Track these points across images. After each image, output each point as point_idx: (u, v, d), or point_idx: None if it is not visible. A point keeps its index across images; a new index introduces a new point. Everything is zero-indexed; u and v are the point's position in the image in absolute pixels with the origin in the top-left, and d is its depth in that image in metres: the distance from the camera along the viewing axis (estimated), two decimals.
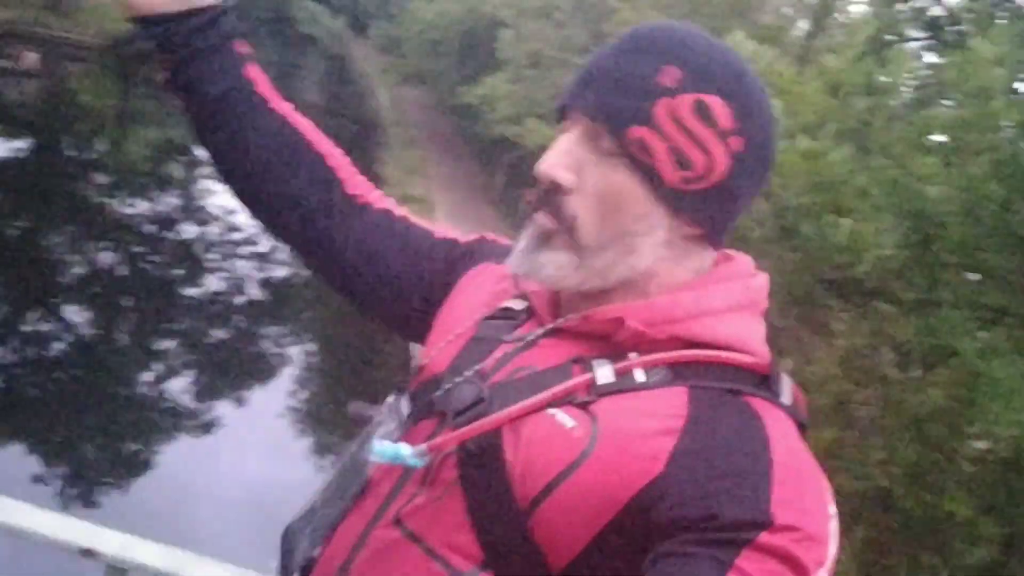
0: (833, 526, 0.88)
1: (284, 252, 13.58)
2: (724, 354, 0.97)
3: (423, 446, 0.98)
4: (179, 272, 14.83)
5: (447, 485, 0.98)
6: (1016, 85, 4.70)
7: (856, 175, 4.23)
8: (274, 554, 1.14)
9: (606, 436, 0.91)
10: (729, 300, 1.01)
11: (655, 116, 0.94)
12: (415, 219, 1.34)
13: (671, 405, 0.92)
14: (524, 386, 0.98)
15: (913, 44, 7.28)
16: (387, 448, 0.98)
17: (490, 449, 0.95)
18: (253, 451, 9.97)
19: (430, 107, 25.81)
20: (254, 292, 14.68)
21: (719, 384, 0.95)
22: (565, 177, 0.97)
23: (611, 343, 1.00)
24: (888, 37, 5.57)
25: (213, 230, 16.21)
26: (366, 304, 1.33)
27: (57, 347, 11.26)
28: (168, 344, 12.20)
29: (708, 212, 0.99)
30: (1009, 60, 4.19)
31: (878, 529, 5.25)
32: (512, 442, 0.94)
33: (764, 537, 0.81)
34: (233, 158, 1.26)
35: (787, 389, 0.98)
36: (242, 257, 15.41)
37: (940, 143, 4.61)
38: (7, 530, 1.50)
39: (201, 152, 1.28)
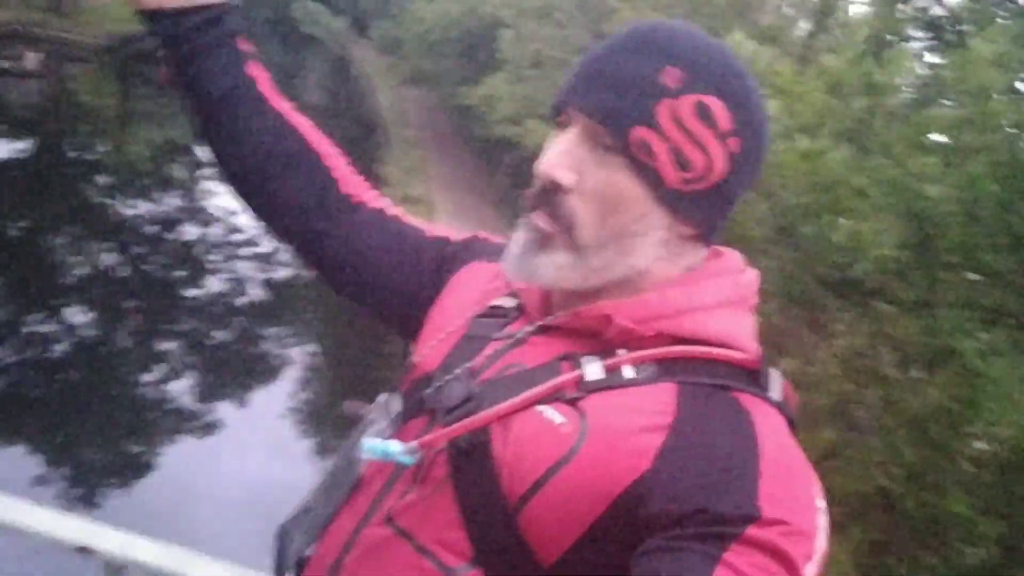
0: (822, 520, 0.88)
1: (286, 253, 13.58)
2: (713, 350, 0.97)
3: (413, 443, 0.98)
4: (181, 273, 14.83)
5: (438, 482, 0.98)
6: (1016, 84, 4.71)
7: (855, 175, 4.23)
8: (271, 554, 1.14)
9: (595, 432, 0.91)
10: (718, 296, 1.01)
11: (657, 117, 0.94)
12: (408, 218, 1.35)
13: (660, 401, 0.93)
14: (513, 383, 0.98)
15: (914, 44, 7.28)
16: (377, 445, 0.99)
17: (480, 446, 0.95)
18: (255, 452, 9.96)
19: (431, 107, 25.82)
20: (256, 293, 14.68)
21: (708, 380, 0.95)
22: (565, 177, 0.97)
23: (600, 340, 1.00)
24: (889, 37, 5.56)
25: (215, 231, 16.21)
26: (360, 301, 1.34)
27: (59, 348, 11.27)
28: (170, 345, 12.20)
29: (705, 212, 1.00)
30: (1009, 60, 4.19)
31: (878, 529, 5.24)
32: (501, 439, 0.95)
33: (752, 531, 0.81)
34: (232, 155, 1.27)
35: (777, 385, 0.99)
36: (244, 258, 15.41)
37: (939, 143, 4.61)
38: (4, 528, 1.50)
39: (203, 153, 1.29)
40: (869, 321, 5.29)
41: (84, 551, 1.44)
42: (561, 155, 0.97)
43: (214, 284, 14.53)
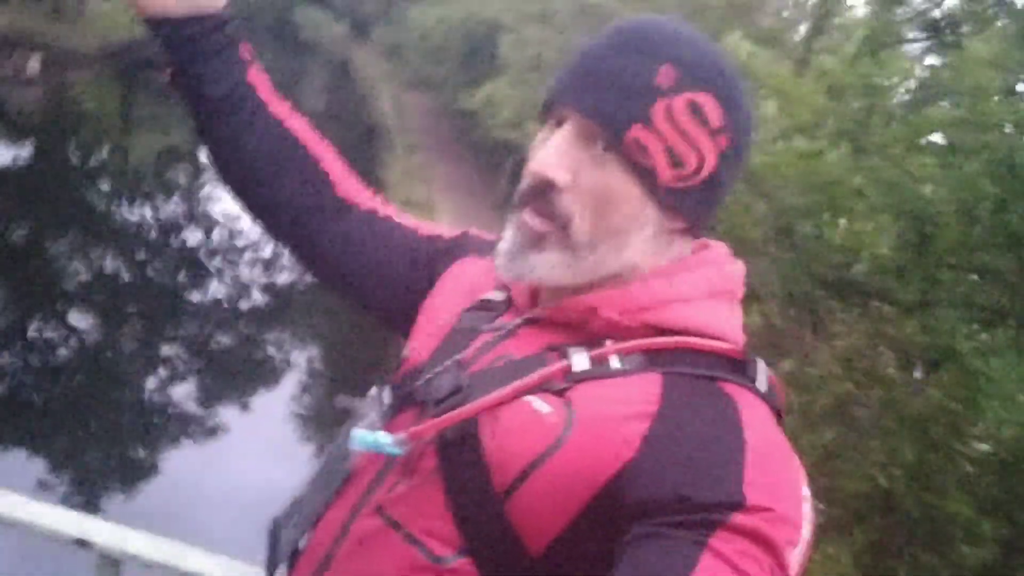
0: (807, 508, 0.88)
1: (288, 258, 13.58)
2: (698, 340, 0.98)
3: (402, 434, 0.99)
4: (183, 278, 14.85)
5: (427, 473, 0.99)
6: (1013, 85, 4.71)
7: (853, 175, 4.24)
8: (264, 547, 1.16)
9: (581, 422, 0.92)
10: (703, 287, 1.02)
11: (653, 116, 0.95)
12: (401, 217, 1.37)
13: (645, 391, 0.93)
14: (502, 374, 0.99)
15: (913, 46, 7.29)
16: (366, 436, 1.00)
17: (468, 436, 0.96)
18: (257, 456, 9.97)
19: (432, 112, 25.82)
20: (258, 298, 14.71)
21: (694, 370, 0.96)
22: (560, 175, 0.97)
23: (587, 331, 1.01)
24: (887, 39, 5.56)
25: (217, 236, 16.24)
26: (354, 299, 1.36)
27: (62, 353, 11.30)
28: (173, 350, 12.22)
29: (695, 207, 1.01)
30: (1005, 60, 4.20)
31: (878, 530, 5.24)
32: (489, 429, 0.96)
33: (737, 518, 0.82)
34: (231, 157, 1.29)
35: (762, 375, 1.00)
36: (246, 263, 15.44)
37: (936, 143, 4.62)
38: (1, 521, 1.52)
39: (205, 158, 1.31)
40: (869, 321, 5.29)
41: (81, 543, 1.45)
42: (555, 154, 0.98)
43: (216, 289, 14.56)
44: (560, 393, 0.95)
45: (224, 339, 13.22)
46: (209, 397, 11.03)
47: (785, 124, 4.40)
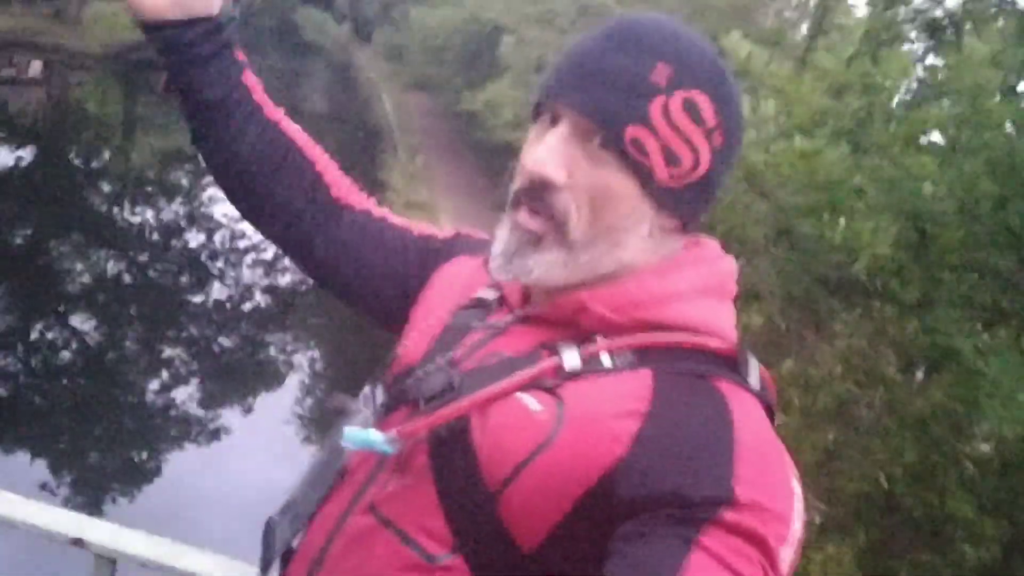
0: (797, 505, 0.88)
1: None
2: (690, 337, 0.98)
3: (393, 432, 0.99)
4: (185, 280, 14.86)
5: (419, 471, 0.99)
6: (1013, 83, 4.71)
7: (852, 174, 4.24)
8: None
9: (572, 419, 0.92)
10: (695, 284, 1.02)
11: (651, 115, 0.95)
12: (394, 218, 1.38)
13: (636, 388, 0.93)
14: (493, 372, 0.99)
15: (915, 46, 7.29)
16: (358, 434, 1.00)
17: (459, 434, 0.96)
18: (260, 458, 9.96)
19: (434, 113, 25.82)
20: (260, 300, 14.71)
21: (685, 367, 0.96)
22: (557, 174, 0.97)
23: (579, 328, 1.01)
24: (886, 37, 5.56)
25: (219, 238, 16.25)
26: (349, 300, 1.37)
27: (64, 355, 11.31)
28: (175, 352, 12.22)
29: (689, 205, 1.01)
30: (1004, 59, 4.19)
31: (880, 530, 5.24)
32: (480, 427, 0.96)
33: (727, 514, 0.82)
34: (226, 161, 1.30)
35: (755, 372, 1.00)
36: (248, 265, 15.45)
37: (937, 143, 4.61)
38: None
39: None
40: (870, 321, 5.28)
41: (77, 543, 1.45)
42: (551, 152, 0.98)
43: (218, 291, 14.56)
44: (551, 390, 0.95)
45: (226, 341, 13.23)
46: (211, 399, 11.03)
47: (785, 123, 4.40)
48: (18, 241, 14.25)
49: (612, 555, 0.84)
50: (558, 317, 1.03)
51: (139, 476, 9.25)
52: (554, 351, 0.99)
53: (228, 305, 14.24)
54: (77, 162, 19.78)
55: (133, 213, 17.06)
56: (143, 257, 15.31)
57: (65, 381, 10.86)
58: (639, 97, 0.95)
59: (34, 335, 11.50)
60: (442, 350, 1.10)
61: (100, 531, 1.49)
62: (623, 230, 0.99)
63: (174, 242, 16.11)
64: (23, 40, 24.93)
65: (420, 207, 16.56)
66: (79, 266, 14.14)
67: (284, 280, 15.03)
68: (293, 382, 12.29)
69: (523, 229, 1.01)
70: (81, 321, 12.21)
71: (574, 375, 0.96)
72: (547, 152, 0.98)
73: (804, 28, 11.82)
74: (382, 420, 1.09)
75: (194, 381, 11.41)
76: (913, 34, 7.03)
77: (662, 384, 0.94)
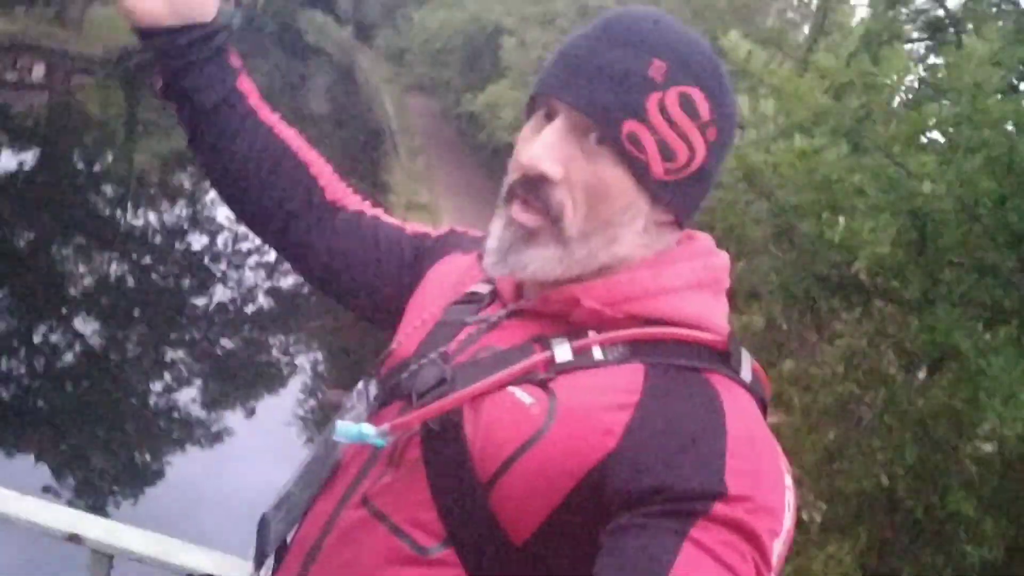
0: (789, 497, 0.89)
1: None
2: (682, 331, 0.98)
3: (386, 426, 0.99)
4: (188, 282, 14.88)
5: (411, 464, 1.00)
6: (1014, 81, 4.71)
7: (852, 173, 4.23)
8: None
9: (563, 412, 0.92)
10: (688, 278, 1.03)
11: (647, 110, 0.95)
12: (387, 218, 1.39)
13: (628, 381, 0.94)
14: (485, 366, 1.00)
15: (916, 46, 7.29)
16: (350, 428, 1.00)
17: (451, 427, 0.97)
18: (262, 460, 9.97)
19: (436, 115, 25.85)
20: (262, 302, 14.73)
21: (677, 361, 0.96)
22: (553, 170, 0.97)
23: (571, 322, 1.01)
24: (886, 36, 5.56)
25: (221, 240, 16.27)
26: (345, 301, 1.39)
27: (67, 358, 11.32)
28: (177, 354, 12.23)
29: (684, 199, 1.02)
30: (1004, 58, 4.19)
31: (881, 529, 5.23)
32: (472, 420, 0.96)
33: (718, 508, 0.82)
34: (222, 165, 1.32)
35: (747, 366, 1.00)
36: (250, 267, 15.47)
37: (937, 141, 4.61)
38: None
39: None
40: (870, 320, 5.28)
41: (73, 539, 1.46)
42: (548, 147, 0.98)
43: (221, 293, 14.58)
44: (543, 384, 0.96)
45: (229, 343, 13.24)
46: (214, 401, 11.04)
47: (784, 123, 4.40)
48: (21, 244, 14.28)
49: (603, 548, 0.84)
50: (550, 311, 1.03)
51: (142, 478, 9.26)
52: (546, 345, 0.99)
53: (230, 307, 14.26)
54: (80, 165, 19.81)
55: (136, 216, 17.09)
56: (146, 260, 15.34)
57: (68, 384, 10.87)
58: (636, 93, 0.96)
59: (37, 338, 11.51)
60: (435, 345, 1.10)
61: (97, 527, 1.50)
62: (619, 225, 0.99)
63: (177, 245, 16.14)
64: (26, 44, 24.98)
65: (421, 208, 16.58)
66: (82, 269, 14.16)
67: (286, 282, 15.04)
68: (295, 384, 12.30)
69: (518, 224, 1.01)
70: (84, 324, 12.23)
71: (566, 369, 0.97)
72: (543, 147, 0.98)
73: (806, 29, 11.81)
74: (375, 415, 1.09)
75: (197, 383, 11.43)
76: (915, 34, 7.03)
77: (654, 377, 0.94)
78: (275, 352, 13.40)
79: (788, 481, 0.90)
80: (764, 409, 1.00)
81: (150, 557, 1.47)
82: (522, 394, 0.95)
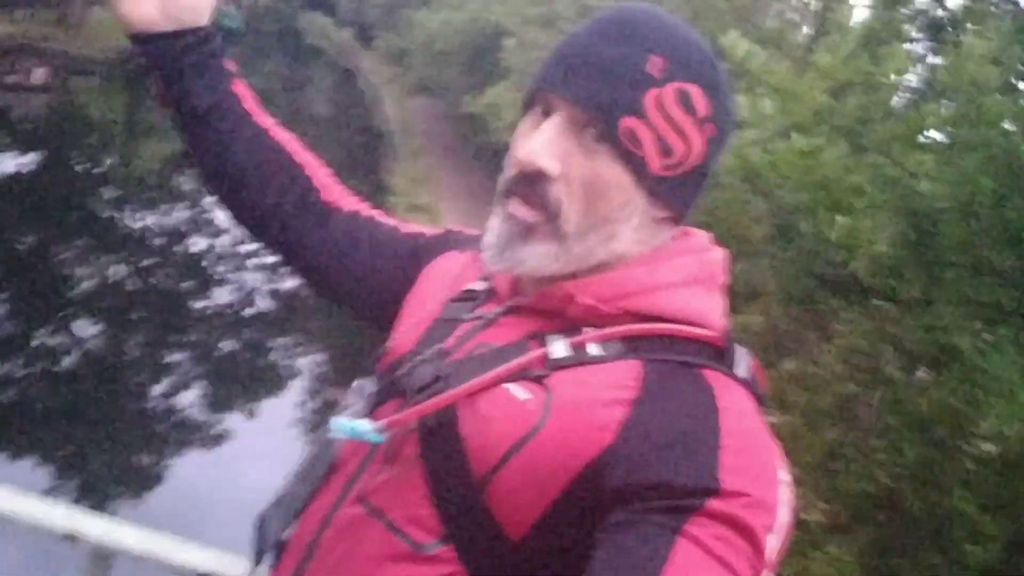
0: (784, 493, 0.89)
1: None
2: (678, 327, 0.99)
3: (382, 422, 1.00)
4: (189, 284, 14.87)
5: (408, 461, 1.00)
6: (1013, 81, 4.70)
7: (852, 173, 4.23)
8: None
9: (559, 408, 0.92)
10: (683, 274, 1.03)
11: (645, 106, 0.96)
12: (383, 218, 1.40)
13: (624, 377, 0.94)
14: (481, 362, 1.00)
15: (917, 46, 7.29)
16: (346, 424, 1.01)
17: (447, 424, 0.97)
18: (264, 462, 9.95)
19: (437, 116, 25.82)
20: (264, 304, 14.71)
21: (673, 357, 0.96)
22: (551, 165, 0.98)
23: (567, 318, 1.02)
24: (885, 36, 5.56)
25: (222, 242, 16.25)
26: (343, 302, 1.40)
27: (68, 360, 11.30)
28: (178, 356, 12.22)
29: (681, 195, 1.02)
30: (1004, 57, 4.19)
31: (881, 529, 5.22)
32: (468, 416, 0.97)
33: (713, 503, 0.82)
34: (218, 167, 1.33)
35: (743, 362, 1.00)
36: (251, 269, 15.45)
37: (936, 140, 4.61)
38: None
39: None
40: (870, 320, 5.28)
41: (71, 538, 1.46)
42: (545, 143, 0.98)
43: (222, 295, 14.56)
44: (539, 380, 0.96)
45: (230, 345, 13.22)
46: (215, 404, 11.02)
47: (783, 122, 4.40)
48: (22, 246, 14.27)
49: (599, 544, 0.84)
50: (547, 307, 1.04)
51: (143, 481, 9.25)
52: (542, 341, 0.99)
53: (232, 309, 14.24)
54: (81, 167, 19.80)
55: (137, 218, 17.07)
56: (147, 262, 15.32)
57: (69, 386, 10.85)
58: (634, 89, 0.96)
59: (38, 341, 11.50)
60: (432, 342, 1.10)
61: (95, 526, 1.50)
62: (616, 221, 1.00)
63: (177, 247, 16.12)
64: (27, 46, 25.00)
65: (422, 210, 16.57)
66: (83, 271, 14.15)
67: (287, 284, 15.02)
68: (297, 386, 12.28)
69: (516, 219, 1.01)
70: (85, 326, 12.21)
71: (562, 365, 0.97)
72: (541, 143, 0.98)
73: (806, 29, 11.81)
74: (373, 412, 1.09)
75: (197, 386, 11.41)
76: (915, 34, 7.03)
77: (650, 373, 0.95)
78: (276, 354, 13.37)
79: (783, 476, 0.90)
80: (760, 405, 1.00)
81: (148, 555, 1.48)
82: (518, 390, 0.95)
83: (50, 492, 8.39)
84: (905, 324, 4.98)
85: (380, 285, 1.32)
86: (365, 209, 1.39)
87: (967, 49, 4.02)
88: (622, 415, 0.90)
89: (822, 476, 5.09)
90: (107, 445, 9.86)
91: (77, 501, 8.48)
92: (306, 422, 11.32)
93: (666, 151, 0.97)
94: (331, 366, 13.57)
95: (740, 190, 5.12)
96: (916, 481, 4.97)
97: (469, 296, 1.16)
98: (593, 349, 0.98)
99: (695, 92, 0.98)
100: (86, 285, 13.76)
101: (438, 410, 0.98)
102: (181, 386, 11.26)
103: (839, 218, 3.96)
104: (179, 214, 17.68)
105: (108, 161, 20.81)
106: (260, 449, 10.24)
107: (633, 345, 0.98)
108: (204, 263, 15.61)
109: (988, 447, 5.08)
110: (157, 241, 16.22)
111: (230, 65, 1.32)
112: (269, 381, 12.24)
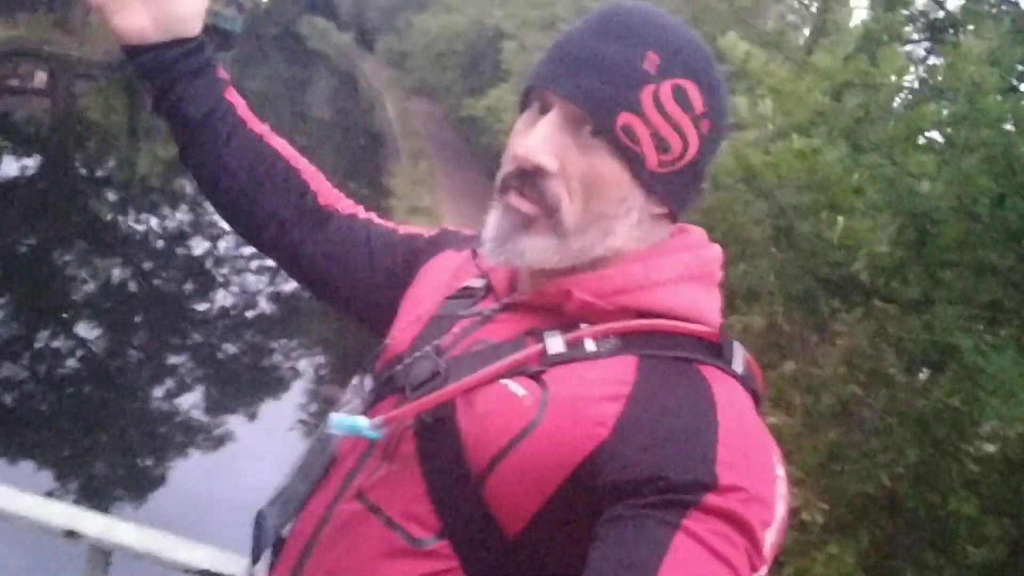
0: (780, 488, 0.89)
1: None
2: (674, 323, 0.99)
3: (379, 418, 1.00)
4: (190, 287, 14.88)
5: (405, 457, 1.00)
6: (1012, 81, 4.71)
7: (851, 173, 4.24)
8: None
9: (555, 404, 0.93)
10: (680, 270, 1.03)
11: (642, 103, 0.96)
12: (379, 221, 1.41)
13: (620, 373, 0.94)
14: (479, 359, 1.01)
15: (917, 47, 7.30)
16: (344, 420, 1.01)
17: (444, 420, 0.97)
18: (265, 465, 9.95)
19: (437, 119, 25.87)
20: (265, 306, 14.71)
21: (669, 353, 0.97)
22: (549, 162, 0.98)
23: (564, 315, 1.02)
24: (885, 37, 5.57)
25: (223, 245, 16.26)
26: (341, 305, 1.40)
27: (69, 363, 11.29)
28: (179, 359, 12.22)
29: (678, 191, 1.03)
30: (1002, 57, 4.20)
31: (882, 530, 5.22)
32: (465, 413, 0.97)
33: (710, 498, 0.82)
34: (213, 176, 1.34)
35: (739, 358, 1.01)
36: (252, 271, 15.45)
37: (935, 140, 4.62)
38: None
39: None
40: (870, 321, 5.28)
41: (71, 535, 1.46)
42: (543, 139, 0.99)
43: (223, 298, 14.57)
44: (535, 376, 0.96)
45: (231, 348, 13.23)
46: (216, 406, 11.02)
47: (783, 123, 4.41)
48: (23, 249, 14.27)
49: (596, 539, 0.84)
50: (544, 304, 1.04)
51: (144, 483, 9.25)
52: (539, 338, 1.00)
53: (233, 312, 14.24)
54: (82, 170, 19.83)
55: (138, 221, 17.08)
56: (148, 265, 15.33)
57: (70, 389, 10.86)
58: (630, 85, 0.96)
59: (39, 343, 11.50)
60: (429, 339, 1.11)
61: (94, 523, 1.50)
62: (614, 217, 1.00)
63: (179, 249, 16.13)
64: (28, 50, 25.02)
65: (423, 212, 16.58)
66: (84, 274, 14.16)
67: (288, 287, 15.02)
68: (297, 388, 12.28)
69: (515, 211, 1.01)
70: (86, 329, 12.21)
71: (558, 361, 0.97)
72: (538, 139, 0.99)
73: (806, 31, 11.84)
74: (371, 409, 1.10)
75: (199, 388, 11.41)
76: (914, 35, 7.04)
77: (646, 369, 0.95)
78: (277, 356, 13.37)
79: (779, 471, 0.90)
80: (757, 401, 1.00)
81: (148, 553, 1.48)
82: (515, 386, 0.96)
83: (51, 494, 8.39)
84: (906, 325, 4.98)
85: (378, 287, 1.33)
86: (362, 212, 1.40)
87: (966, 50, 4.02)
88: (619, 410, 0.90)
89: (823, 477, 5.08)
90: (108, 447, 9.86)
91: (78, 503, 8.47)
92: (307, 424, 11.33)
93: (663, 147, 0.98)
94: (332, 368, 13.57)
95: (740, 191, 5.13)
96: (917, 482, 4.96)
97: (466, 293, 1.17)
98: (590, 345, 0.98)
99: (691, 88, 0.98)
100: (87, 288, 13.77)
101: (435, 406, 0.98)
102: (182, 388, 11.27)
103: (839, 219, 3.95)
104: (180, 217, 17.69)
105: (109, 164, 20.84)
106: (261, 451, 10.24)
107: (629, 341, 0.98)
108: (205, 266, 15.62)
109: (989, 447, 5.07)
110: (158, 244, 16.23)
111: (222, 73, 1.33)
112: (270, 383, 12.25)
